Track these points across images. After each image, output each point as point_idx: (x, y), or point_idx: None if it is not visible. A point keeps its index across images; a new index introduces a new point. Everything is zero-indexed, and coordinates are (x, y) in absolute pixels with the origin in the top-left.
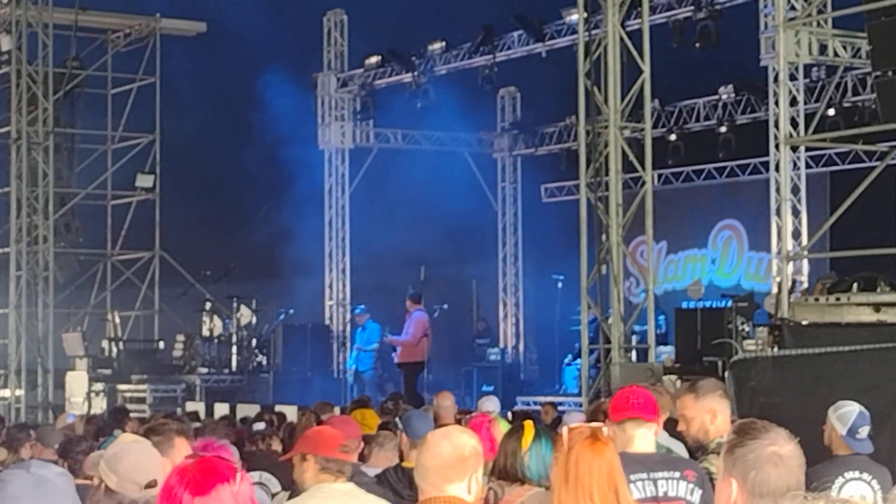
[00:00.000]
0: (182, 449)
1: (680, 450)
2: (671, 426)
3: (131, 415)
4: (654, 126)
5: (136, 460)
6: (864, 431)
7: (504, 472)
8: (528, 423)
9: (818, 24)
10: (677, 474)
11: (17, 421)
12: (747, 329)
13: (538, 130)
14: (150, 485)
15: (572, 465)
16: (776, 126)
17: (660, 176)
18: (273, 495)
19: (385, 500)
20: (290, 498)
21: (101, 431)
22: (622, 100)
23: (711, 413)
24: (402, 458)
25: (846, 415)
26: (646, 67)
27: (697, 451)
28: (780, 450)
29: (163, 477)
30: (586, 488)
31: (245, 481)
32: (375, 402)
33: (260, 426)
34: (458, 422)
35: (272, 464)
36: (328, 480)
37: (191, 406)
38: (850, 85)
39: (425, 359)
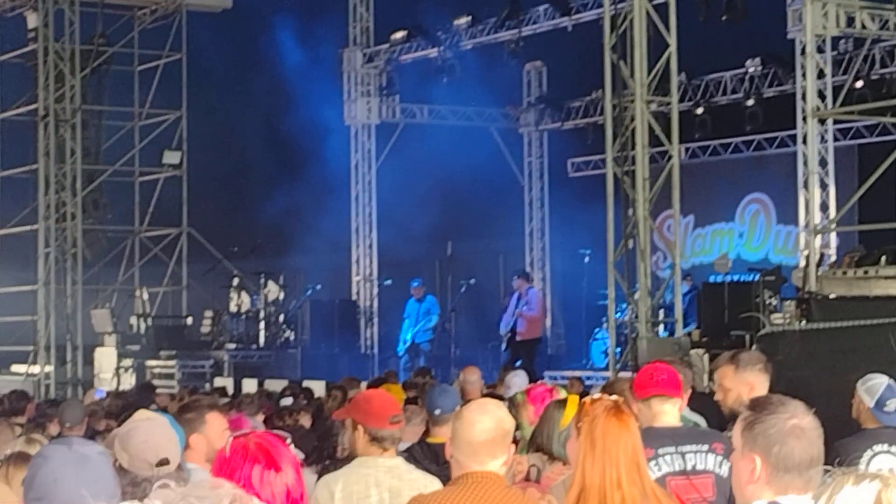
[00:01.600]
0: (215, 424)
1: (702, 424)
2: (697, 401)
3: (158, 391)
4: (681, 100)
5: (147, 438)
6: (892, 404)
7: (543, 445)
8: (573, 399)
9: None
10: (705, 447)
11: (46, 397)
12: (775, 303)
13: (564, 105)
14: (162, 462)
15: (599, 435)
16: (803, 99)
17: (686, 150)
18: None
19: (432, 477)
20: (318, 469)
21: (129, 407)
22: (648, 73)
23: (750, 386)
24: (426, 434)
25: (874, 387)
26: (672, 41)
27: (730, 421)
28: (800, 422)
29: (177, 453)
30: (613, 458)
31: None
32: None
33: (287, 401)
34: (491, 396)
35: (299, 437)
36: (375, 453)
37: (219, 382)
38: (877, 57)
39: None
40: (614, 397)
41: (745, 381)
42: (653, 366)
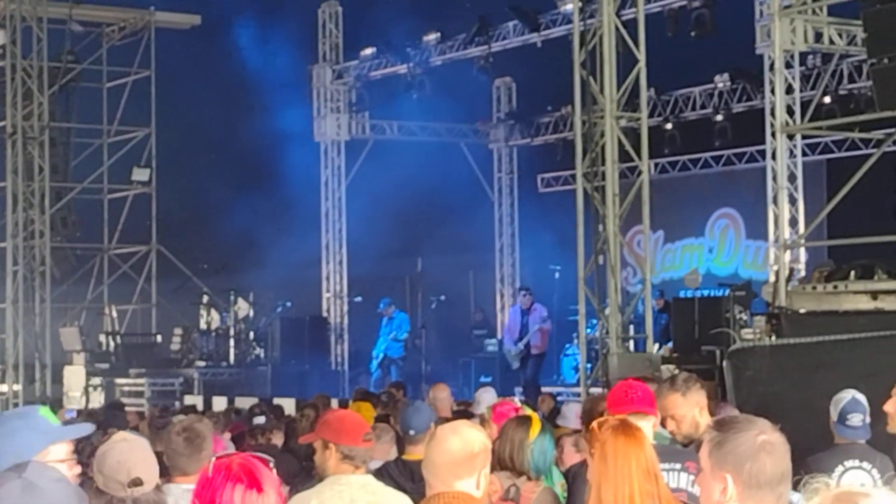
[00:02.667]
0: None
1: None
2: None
3: (127, 408)
4: (650, 115)
5: (120, 459)
6: (854, 418)
7: (507, 462)
8: (535, 416)
9: (813, 11)
10: (678, 466)
11: None
12: (745, 318)
13: (534, 121)
14: (135, 482)
15: (610, 455)
16: (772, 114)
17: (656, 165)
18: None
19: (404, 496)
20: (291, 490)
21: (99, 427)
22: (618, 89)
23: (699, 406)
24: (402, 451)
25: (838, 401)
26: (641, 56)
27: (688, 446)
28: (769, 438)
29: (153, 474)
30: (626, 475)
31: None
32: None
33: (260, 420)
34: (462, 413)
35: (273, 457)
36: (347, 471)
37: (189, 399)
38: (845, 72)
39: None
40: (619, 416)
41: (693, 403)
42: (627, 383)
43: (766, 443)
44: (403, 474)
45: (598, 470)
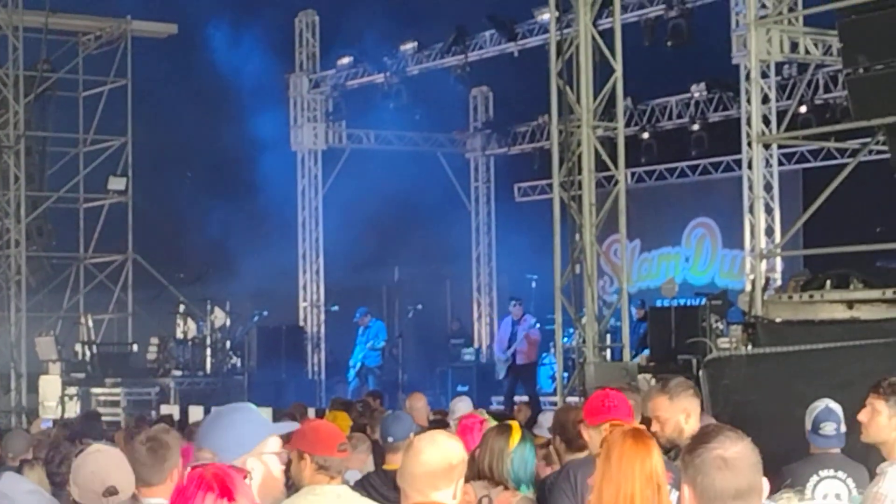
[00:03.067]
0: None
1: None
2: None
3: (103, 418)
4: (627, 125)
5: (95, 469)
6: (828, 427)
7: (487, 471)
8: (516, 424)
9: (789, 21)
10: None
11: None
12: (721, 327)
13: (511, 130)
14: (110, 491)
15: (615, 457)
16: (748, 124)
17: (633, 174)
18: None
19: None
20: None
21: (75, 437)
22: (594, 99)
23: (686, 413)
24: (381, 461)
25: (812, 411)
26: (618, 66)
27: (671, 451)
28: (724, 453)
29: (129, 483)
30: (629, 476)
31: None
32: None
33: None
34: (438, 422)
35: None
36: (322, 482)
37: (165, 409)
38: (821, 82)
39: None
40: (632, 423)
41: (681, 409)
42: (604, 392)
43: (717, 458)
44: (386, 484)
45: (601, 469)
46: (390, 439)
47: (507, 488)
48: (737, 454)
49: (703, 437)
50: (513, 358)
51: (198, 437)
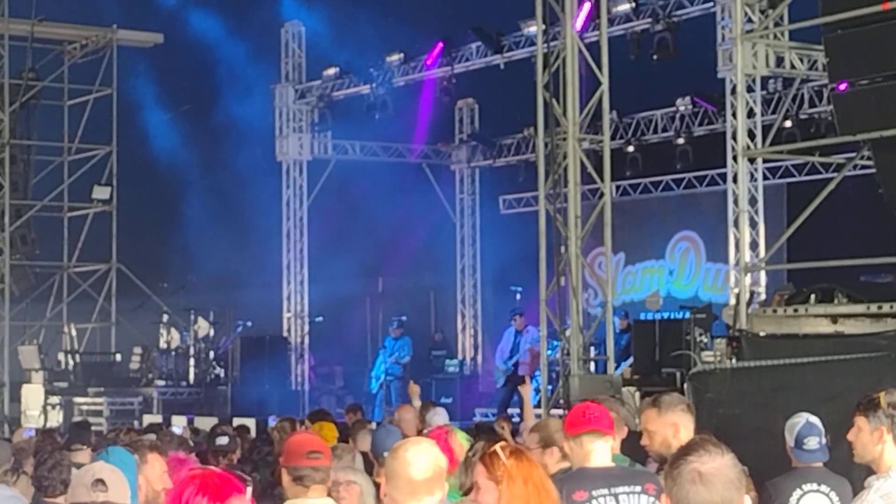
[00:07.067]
0: (155, 465)
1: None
2: (635, 439)
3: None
4: (613, 138)
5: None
6: (811, 441)
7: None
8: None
9: (775, 36)
10: (638, 488)
11: None
12: (705, 341)
13: (496, 142)
14: (99, 481)
15: (504, 477)
16: (733, 138)
17: (618, 187)
18: None
19: None
20: None
21: (64, 446)
22: (580, 111)
23: (674, 427)
24: (372, 474)
25: (793, 426)
26: (604, 79)
27: (660, 465)
28: (700, 467)
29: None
30: (519, 494)
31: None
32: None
33: (223, 441)
34: (419, 433)
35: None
36: (301, 493)
37: (148, 419)
38: (806, 97)
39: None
40: (502, 443)
41: (669, 423)
42: (585, 404)
43: (693, 471)
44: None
45: (508, 490)
46: (386, 454)
47: None
48: (713, 469)
49: (684, 450)
50: (514, 368)
51: None
